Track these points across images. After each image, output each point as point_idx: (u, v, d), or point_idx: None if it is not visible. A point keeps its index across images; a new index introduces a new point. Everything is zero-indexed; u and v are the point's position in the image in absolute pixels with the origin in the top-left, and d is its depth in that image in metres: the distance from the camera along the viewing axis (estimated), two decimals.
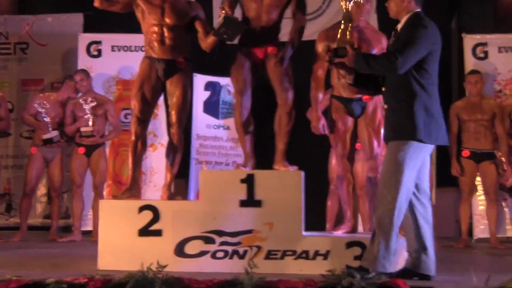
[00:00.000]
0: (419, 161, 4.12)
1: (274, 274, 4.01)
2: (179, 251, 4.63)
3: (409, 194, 4.10)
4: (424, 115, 4.06)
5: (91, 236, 6.89)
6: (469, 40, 7.68)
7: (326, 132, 5.22)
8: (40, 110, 6.91)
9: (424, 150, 4.12)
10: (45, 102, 6.96)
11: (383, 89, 4.28)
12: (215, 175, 4.97)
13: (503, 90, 7.54)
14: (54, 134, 6.87)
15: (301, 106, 5.31)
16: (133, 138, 5.13)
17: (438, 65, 4.23)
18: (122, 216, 4.71)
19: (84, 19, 8.06)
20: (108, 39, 7.83)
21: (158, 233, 4.66)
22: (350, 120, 5.17)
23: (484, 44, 7.65)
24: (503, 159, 6.73)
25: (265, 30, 5.00)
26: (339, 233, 5.03)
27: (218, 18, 5.04)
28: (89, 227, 7.22)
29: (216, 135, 7.98)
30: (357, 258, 4.43)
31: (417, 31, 4.06)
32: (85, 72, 7.12)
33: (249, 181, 4.64)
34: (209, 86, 8.00)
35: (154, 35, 5.09)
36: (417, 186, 4.17)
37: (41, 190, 7.85)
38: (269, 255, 4.57)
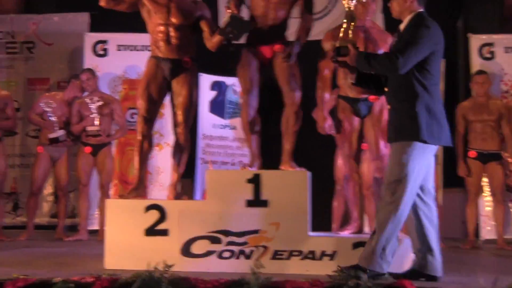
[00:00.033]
0: (424, 163, 4.08)
1: (281, 274, 4.00)
2: (186, 250, 4.62)
3: (412, 197, 4.07)
4: (426, 116, 4.03)
5: (97, 235, 6.90)
6: (476, 40, 7.67)
7: (333, 132, 5.21)
8: (46, 109, 6.92)
9: (428, 151, 4.10)
10: (51, 101, 6.97)
11: (386, 89, 4.27)
12: (222, 175, 4.95)
13: (510, 91, 7.53)
14: (60, 133, 6.88)
15: (307, 106, 5.30)
16: (139, 137, 5.13)
17: (440, 65, 4.22)
18: (129, 215, 4.71)
19: (90, 18, 8.08)
20: (114, 39, 7.85)
21: (164, 232, 4.65)
22: (356, 120, 5.17)
23: (490, 44, 7.64)
24: (510, 160, 6.71)
25: (272, 28, 4.98)
26: (346, 233, 5.02)
27: (223, 17, 5.03)
28: (95, 226, 7.23)
29: (222, 135, 7.99)
30: None
31: (419, 31, 4.05)
32: (91, 71, 7.13)
33: (255, 181, 4.63)
34: (215, 85, 8.01)
35: (160, 35, 5.09)
36: (421, 187, 4.15)
37: (48, 189, 7.86)
38: (276, 255, 4.57)
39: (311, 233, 4.65)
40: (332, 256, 4.53)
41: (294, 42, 4.97)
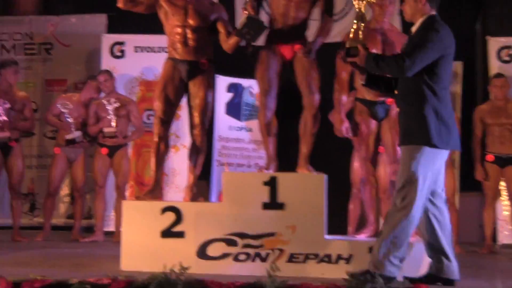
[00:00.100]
0: (433, 168, 4.03)
1: (296, 278, 4.00)
2: (202, 253, 4.62)
3: (423, 202, 4.03)
4: (434, 119, 3.99)
5: (113, 236, 6.91)
6: (494, 43, 7.61)
7: (350, 135, 5.19)
8: (63, 111, 6.94)
9: (439, 156, 4.04)
10: (68, 102, 6.99)
11: (396, 91, 4.24)
12: (238, 177, 4.95)
13: None
14: (77, 134, 6.90)
15: (325, 108, 5.28)
16: (155, 139, 5.14)
17: (451, 69, 4.18)
18: (145, 217, 4.72)
19: (108, 19, 8.11)
20: (131, 40, 7.86)
21: (180, 234, 4.66)
22: (373, 123, 5.15)
23: (509, 47, 7.58)
24: None
25: (292, 27, 4.95)
26: (362, 237, 5.00)
27: (240, 18, 5.02)
28: (111, 228, 7.24)
29: (238, 137, 7.98)
30: None
31: (428, 35, 4.01)
32: (108, 72, 7.15)
33: (272, 183, 4.62)
34: (231, 87, 8.00)
35: (177, 37, 5.10)
36: (432, 191, 4.11)
37: (64, 190, 7.89)
38: (292, 259, 4.55)
39: (327, 237, 4.63)
40: (348, 260, 4.51)
41: (315, 38, 4.94)
